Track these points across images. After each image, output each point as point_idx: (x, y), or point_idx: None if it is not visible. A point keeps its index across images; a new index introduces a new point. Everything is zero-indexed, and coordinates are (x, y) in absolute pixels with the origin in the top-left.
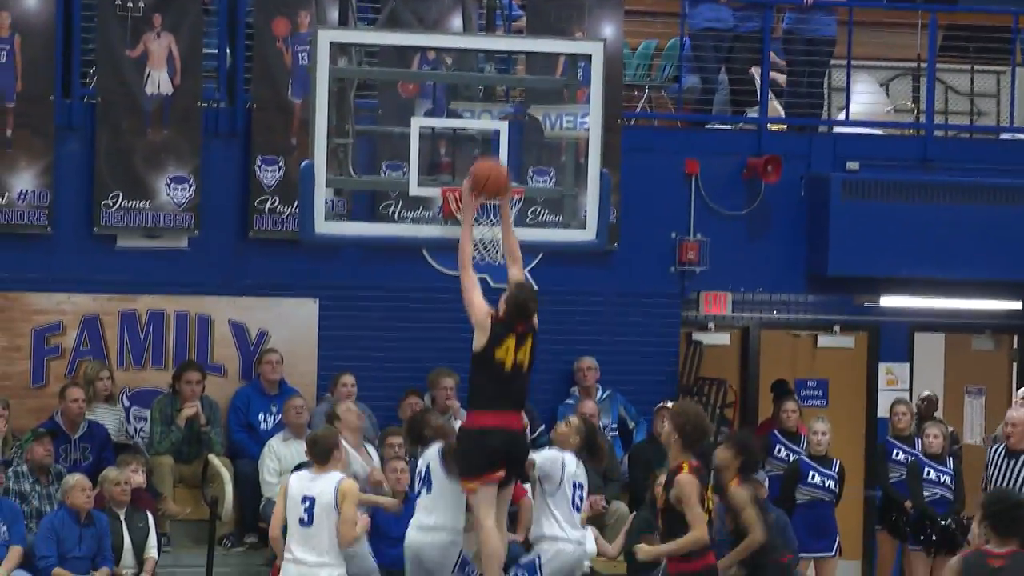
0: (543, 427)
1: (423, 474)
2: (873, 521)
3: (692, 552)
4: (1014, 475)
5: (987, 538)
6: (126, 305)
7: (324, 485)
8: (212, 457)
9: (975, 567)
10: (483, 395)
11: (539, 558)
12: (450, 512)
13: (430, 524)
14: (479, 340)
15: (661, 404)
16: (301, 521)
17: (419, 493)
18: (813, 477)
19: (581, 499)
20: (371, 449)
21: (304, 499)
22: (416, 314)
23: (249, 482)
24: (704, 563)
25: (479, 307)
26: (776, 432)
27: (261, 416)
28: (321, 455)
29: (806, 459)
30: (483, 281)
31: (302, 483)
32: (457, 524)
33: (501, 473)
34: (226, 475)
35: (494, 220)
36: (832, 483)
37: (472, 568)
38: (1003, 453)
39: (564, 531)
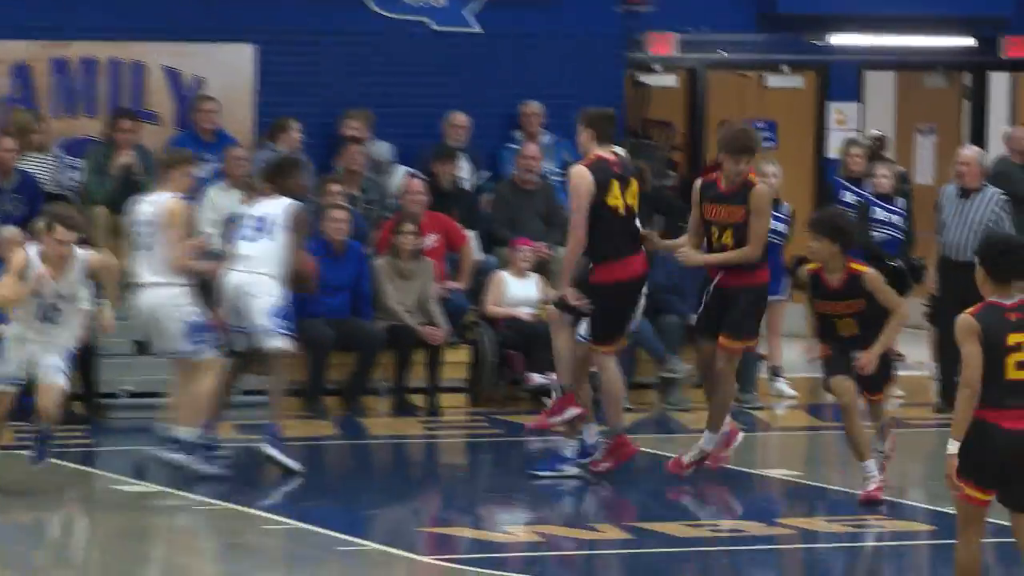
0: (488, 173)
1: (260, 220)
2: None
3: (745, 266)
4: (967, 215)
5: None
6: (57, 51)
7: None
8: None
9: (994, 322)
10: (607, 246)
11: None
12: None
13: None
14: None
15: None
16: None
17: (243, 236)
18: None
19: None
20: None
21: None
22: (355, 58)
23: None
24: (760, 279)
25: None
26: None
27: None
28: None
29: None
30: (421, 24)
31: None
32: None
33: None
34: None
35: None
36: (782, 226)
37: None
38: (955, 193)
39: None
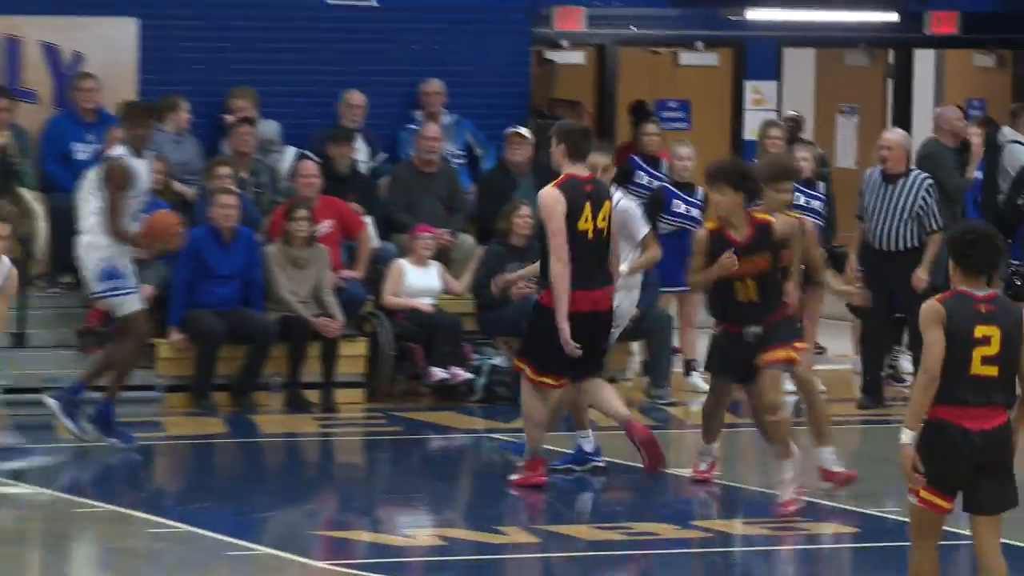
0: (386, 155)
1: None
2: None
3: None
4: (891, 201)
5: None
6: None
7: None
8: (23, 191)
9: (962, 312)
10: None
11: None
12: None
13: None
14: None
15: (512, 130)
16: None
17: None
18: (677, 205)
19: None
20: None
21: None
22: (244, 33)
23: (64, 218)
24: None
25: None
26: (636, 158)
27: (77, 146)
28: None
29: (669, 186)
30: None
31: None
32: None
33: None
34: (38, 211)
35: None
36: (697, 211)
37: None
38: (879, 178)
39: None
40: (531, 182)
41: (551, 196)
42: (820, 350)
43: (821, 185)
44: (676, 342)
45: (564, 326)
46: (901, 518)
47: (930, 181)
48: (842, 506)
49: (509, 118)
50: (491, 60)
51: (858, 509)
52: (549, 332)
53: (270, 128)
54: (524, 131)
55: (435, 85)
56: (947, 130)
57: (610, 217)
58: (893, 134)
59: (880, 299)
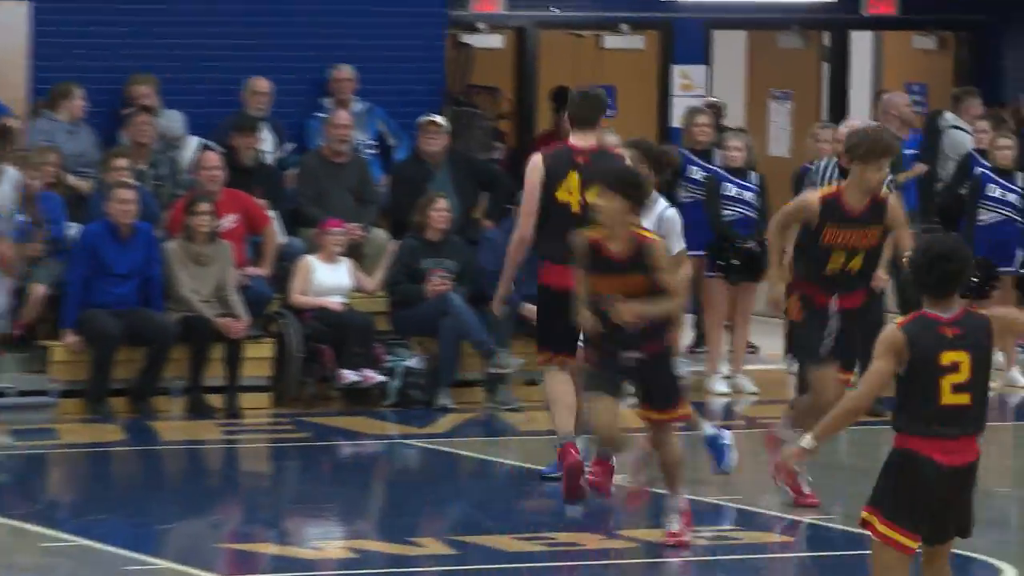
0: (293, 146)
1: None
2: None
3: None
4: None
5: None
6: None
7: None
8: None
9: (926, 338)
10: (552, 246)
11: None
12: None
13: None
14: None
15: (426, 118)
16: None
17: None
18: None
19: None
20: None
21: None
22: (143, 17)
23: None
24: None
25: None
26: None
27: None
28: None
29: None
30: None
31: None
32: None
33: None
34: None
35: None
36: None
37: None
38: (833, 173)
39: None
40: (447, 173)
41: (530, 163)
42: (752, 349)
43: (755, 176)
44: None
45: (503, 291)
46: (838, 526)
47: (890, 176)
48: (773, 513)
49: (424, 106)
50: (405, 44)
51: (790, 516)
52: (542, 310)
53: (173, 119)
54: (439, 119)
55: (345, 71)
56: (894, 116)
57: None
58: (850, 127)
59: None
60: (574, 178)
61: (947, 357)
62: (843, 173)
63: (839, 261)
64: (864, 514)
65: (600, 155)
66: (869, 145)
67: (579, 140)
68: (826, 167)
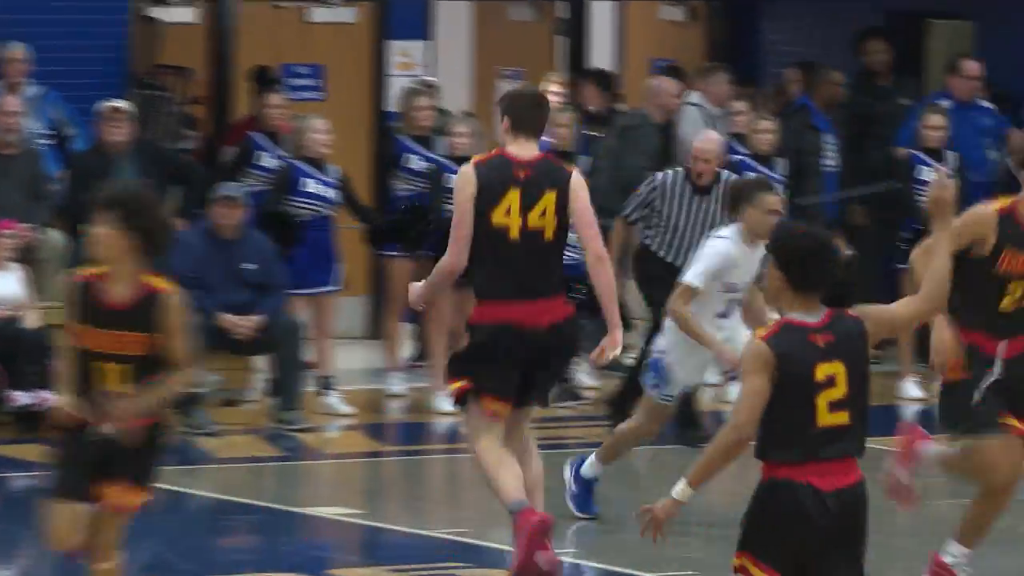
0: None
1: None
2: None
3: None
4: (703, 214)
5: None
6: None
7: None
8: None
9: (797, 350)
10: (485, 278)
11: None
12: None
13: None
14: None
15: (109, 104)
16: None
17: None
18: (305, 184)
19: None
20: None
21: None
22: None
23: None
24: None
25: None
26: (256, 134)
27: None
28: None
29: (299, 164)
30: None
31: None
32: None
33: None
34: None
35: None
36: (332, 192)
37: None
38: (685, 189)
39: None
40: (133, 165)
41: (461, 174)
42: None
43: None
44: (309, 356)
45: (420, 294)
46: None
47: (734, 177)
48: (505, 547)
49: (105, 89)
50: (83, 20)
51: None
52: (475, 350)
53: None
54: (123, 105)
55: (17, 51)
56: (660, 106)
57: (562, 213)
58: (710, 142)
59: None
60: (514, 197)
61: (822, 371)
62: (698, 191)
63: (1017, 294)
64: (735, 560)
65: (545, 167)
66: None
67: (519, 149)
68: (670, 182)
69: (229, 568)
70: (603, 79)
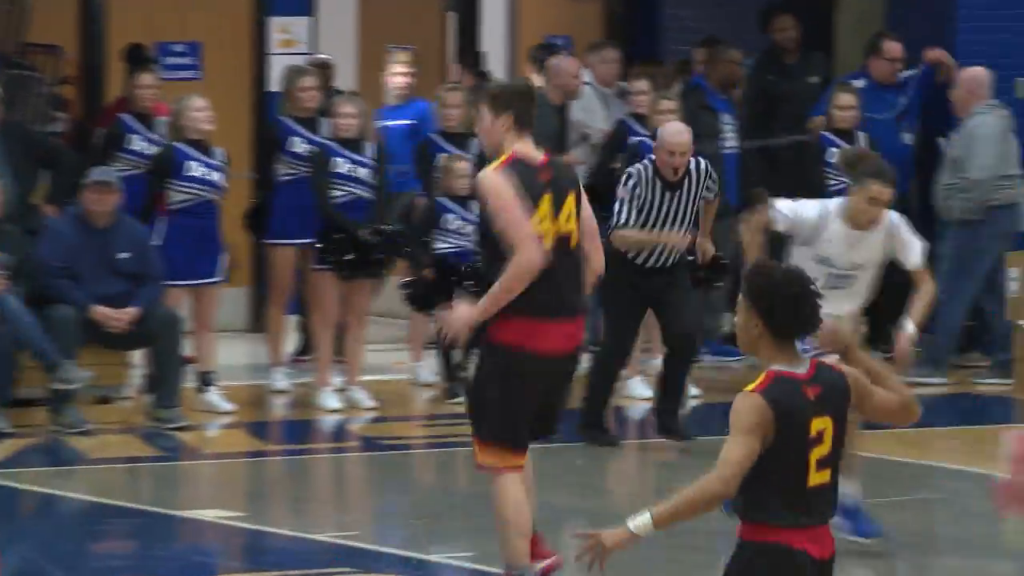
0: None
1: None
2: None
3: None
4: (677, 209)
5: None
6: None
7: None
8: None
9: (794, 405)
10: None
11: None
12: None
13: None
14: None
15: None
16: None
17: None
18: (189, 168)
19: None
20: None
21: None
22: None
23: None
24: None
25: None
26: (127, 116)
27: None
28: None
29: (181, 146)
30: None
31: None
32: None
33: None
34: None
35: None
36: (218, 176)
37: None
38: (655, 182)
39: None
40: (0, 149)
41: (490, 180)
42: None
43: (369, 148)
44: (188, 350)
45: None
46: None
47: (707, 164)
48: (398, 551)
49: None
50: None
51: (414, 554)
52: (497, 383)
53: None
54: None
55: None
56: (558, 85)
57: (579, 216)
58: (681, 134)
59: (635, 317)
60: (547, 202)
61: (816, 425)
62: (669, 186)
63: None
64: None
65: (558, 166)
66: None
67: (529, 149)
68: (644, 175)
69: (104, 575)
70: (474, 59)
